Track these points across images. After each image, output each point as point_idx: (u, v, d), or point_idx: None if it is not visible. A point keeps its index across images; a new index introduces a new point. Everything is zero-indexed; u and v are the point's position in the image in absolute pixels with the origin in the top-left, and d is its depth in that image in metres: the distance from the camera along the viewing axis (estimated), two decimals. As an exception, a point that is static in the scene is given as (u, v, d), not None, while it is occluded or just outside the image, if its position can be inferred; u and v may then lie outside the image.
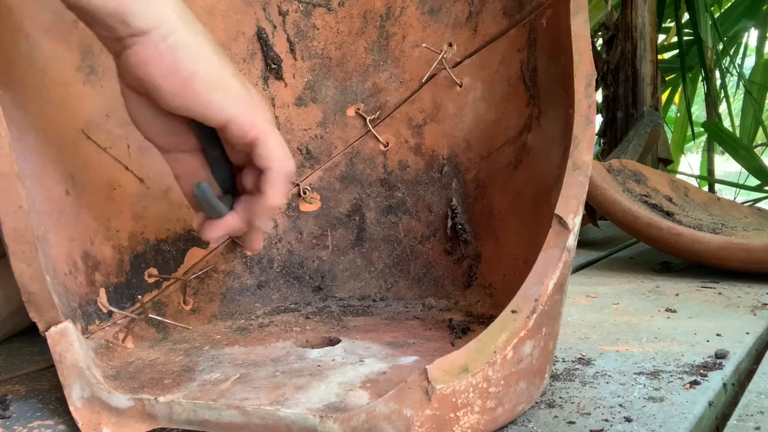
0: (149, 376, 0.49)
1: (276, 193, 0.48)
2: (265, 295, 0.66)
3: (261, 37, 0.68)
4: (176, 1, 0.44)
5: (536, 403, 0.45)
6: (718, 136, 2.15)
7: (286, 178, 0.48)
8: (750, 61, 2.47)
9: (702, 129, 2.32)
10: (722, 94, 2.31)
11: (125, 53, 0.43)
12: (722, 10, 2.37)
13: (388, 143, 0.70)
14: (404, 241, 0.68)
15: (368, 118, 0.69)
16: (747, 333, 0.62)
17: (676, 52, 2.29)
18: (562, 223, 0.45)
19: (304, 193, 0.69)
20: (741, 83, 2.33)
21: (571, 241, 0.45)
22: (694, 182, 1.95)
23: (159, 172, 0.61)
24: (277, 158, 0.47)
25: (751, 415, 0.44)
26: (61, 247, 0.50)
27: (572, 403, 0.46)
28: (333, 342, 0.56)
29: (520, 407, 0.42)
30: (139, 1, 0.42)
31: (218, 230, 0.49)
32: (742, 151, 2.10)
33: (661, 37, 2.33)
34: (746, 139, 2.31)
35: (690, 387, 0.48)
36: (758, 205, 1.59)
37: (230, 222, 0.50)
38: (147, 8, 0.42)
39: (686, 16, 2.04)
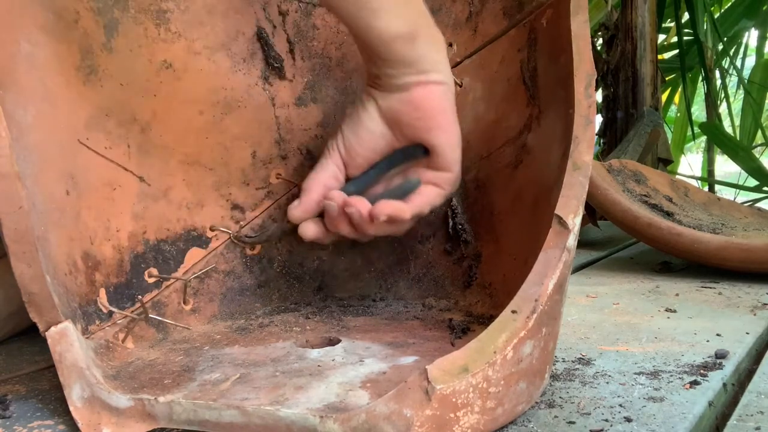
0: (149, 376, 0.49)
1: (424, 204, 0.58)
2: (265, 295, 0.66)
3: (261, 37, 0.68)
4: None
5: (536, 403, 0.45)
6: (716, 138, 2.15)
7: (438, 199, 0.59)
8: (750, 61, 2.47)
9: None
10: (722, 94, 2.31)
11: (414, 88, 0.55)
12: (722, 10, 2.37)
13: (388, 143, 0.69)
14: (404, 241, 0.68)
15: (368, 118, 0.69)
16: (747, 333, 0.62)
17: (676, 52, 2.29)
18: (562, 223, 0.45)
19: (304, 193, 0.69)
20: (741, 84, 2.33)
21: (571, 241, 0.45)
22: (693, 183, 1.95)
23: (159, 172, 0.61)
24: (447, 190, 0.58)
25: (751, 415, 0.44)
26: (61, 247, 0.50)
27: (572, 403, 0.46)
28: (333, 342, 0.56)
29: (520, 407, 0.42)
30: (434, 52, 0.55)
31: (387, 209, 0.56)
32: (740, 152, 2.10)
33: (661, 37, 2.33)
34: (746, 139, 2.31)
35: (690, 387, 0.48)
36: (758, 205, 1.59)
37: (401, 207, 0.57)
38: (437, 59, 0.55)
39: (686, 16, 2.04)
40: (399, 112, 0.56)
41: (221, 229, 0.64)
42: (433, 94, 0.55)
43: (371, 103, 0.57)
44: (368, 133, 0.57)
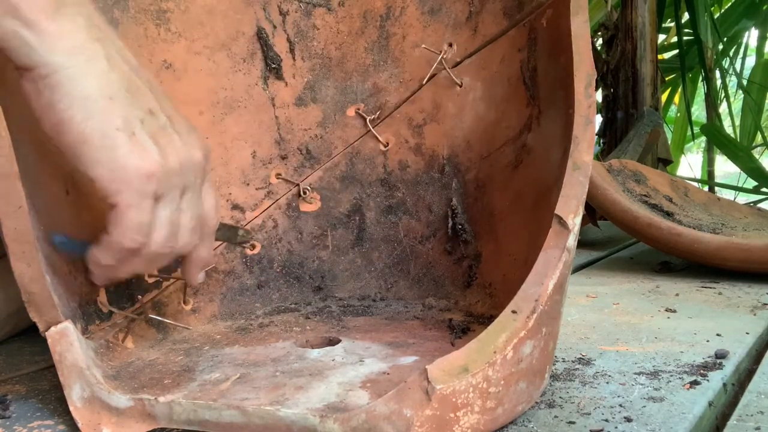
0: (149, 376, 0.49)
1: (94, 261, 0.45)
2: (265, 295, 0.66)
3: (261, 37, 0.68)
4: (84, 35, 0.41)
5: (536, 403, 0.45)
6: (716, 139, 2.15)
7: (117, 252, 0.45)
8: (750, 61, 2.47)
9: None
10: (722, 95, 2.31)
11: (20, 81, 0.41)
12: (722, 10, 2.37)
13: (388, 143, 0.70)
14: (404, 241, 0.68)
15: (368, 118, 0.69)
16: (747, 333, 0.62)
17: (676, 52, 2.29)
18: (562, 223, 0.45)
19: (304, 193, 0.69)
20: (739, 85, 2.33)
21: (571, 241, 0.45)
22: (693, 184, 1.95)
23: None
24: (119, 231, 0.43)
25: (751, 415, 0.44)
26: (61, 247, 0.50)
27: (572, 403, 0.46)
28: (333, 342, 0.56)
29: (520, 407, 0.42)
30: (29, 36, 0.39)
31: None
32: (740, 153, 2.09)
33: (661, 37, 2.33)
34: (746, 140, 2.31)
35: (690, 387, 0.48)
36: (758, 205, 1.59)
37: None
38: (34, 45, 0.39)
39: (686, 16, 2.04)
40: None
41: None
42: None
43: None
44: None
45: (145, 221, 0.44)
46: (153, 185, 0.43)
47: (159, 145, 0.43)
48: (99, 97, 0.41)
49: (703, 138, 2.69)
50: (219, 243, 0.65)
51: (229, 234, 0.59)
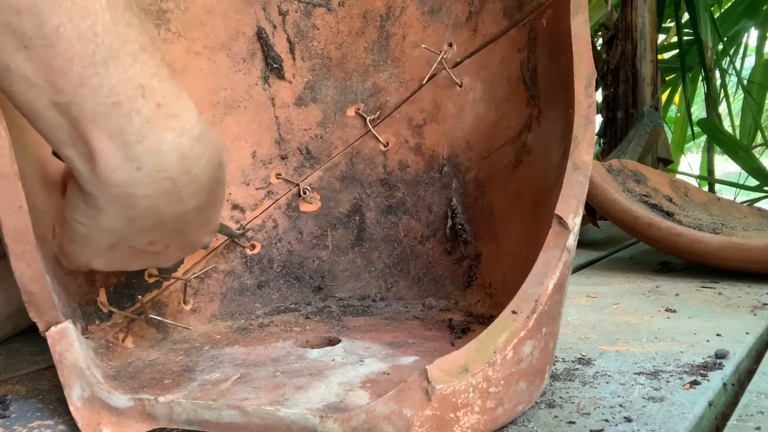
0: (149, 376, 0.49)
1: None
2: (265, 295, 0.66)
3: (261, 37, 0.68)
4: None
5: (536, 403, 0.45)
6: (714, 135, 2.15)
7: None
8: (750, 61, 2.47)
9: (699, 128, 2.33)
10: (722, 94, 2.31)
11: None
12: (722, 10, 2.37)
13: (388, 143, 0.70)
14: (404, 241, 0.68)
15: (368, 118, 0.69)
16: (747, 333, 0.62)
17: (676, 52, 2.29)
18: (562, 223, 0.45)
19: (304, 193, 0.69)
20: (740, 84, 2.33)
21: (571, 241, 0.45)
22: (693, 182, 1.95)
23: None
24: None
25: (751, 415, 0.44)
26: (61, 247, 0.50)
27: (572, 403, 0.46)
28: (333, 342, 0.56)
29: (520, 407, 0.42)
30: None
31: None
32: (739, 151, 2.09)
33: (661, 37, 2.33)
34: (746, 139, 2.31)
35: (690, 387, 0.48)
36: (758, 204, 1.59)
37: None
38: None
39: (686, 16, 2.04)
40: None
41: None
42: None
43: None
44: None
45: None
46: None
47: (128, 260, 0.50)
48: (104, 228, 0.45)
49: (703, 138, 2.69)
50: (218, 245, 0.65)
51: (225, 230, 0.62)
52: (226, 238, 0.65)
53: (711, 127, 2.12)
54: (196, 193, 0.46)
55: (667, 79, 2.20)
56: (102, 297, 0.54)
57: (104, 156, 0.41)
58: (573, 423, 0.43)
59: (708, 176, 2.38)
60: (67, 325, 0.44)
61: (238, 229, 0.65)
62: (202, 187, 0.46)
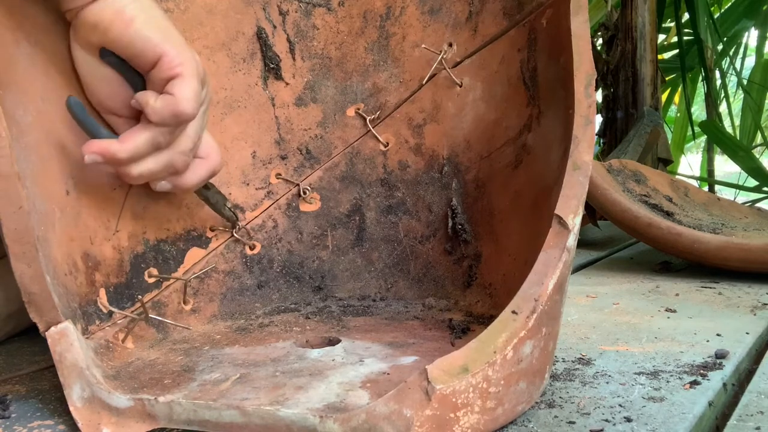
0: (149, 376, 0.49)
1: (123, 148, 0.52)
2: (265, 295, 0.66)
3: (261, 37, 0.68)
4: None
5: (536, 403, 0.45)
6: (715, 136, 2.15)
7: (160, 129, 0.52)
8: (750, 61, 2.47)
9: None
10: (722, 94, 2.31)
11: (82, 12, 0.50)
12: (722, 10, 2.37)
13: (388, 143, 0.70)
14: (404, 241, 0.68)
15: (368, 118, 0.69)
16: (747, 333, 0.62)
17: (676, 52, 2.29)
18: (562, 223, 0.45)
19: (304, 193, 0.69)
20: (739, 84, 2.33)
21: (571, 241, 0.45)
22: (693, 183, 1.95)
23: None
24: (182, 95, 0.51)
25: (751, 415, 0.44)
26: (61, 247, 0.50)
27: (572, 403, 0.46)
28: (333, 342, 0.56)
29: (520, 407, 0.42)
30: None
31: (93, 147, 0.51)
32: (739, 151, 2.10)
33: (661, 37, 2.33)
34: (746, 139, 2.31)
35: (690, 387, 0.48)
36: (758, 205, 1.59)
37: (111, 146, 0.52)
38: None
39: (686, 16, 2.04)
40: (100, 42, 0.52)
41: (221, 228, 0.64)
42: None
43: (77, 50, 0.53)
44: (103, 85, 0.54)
45: (200, 93, 0.53)
46: (201, 74, 0.54)
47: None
48: (152, 7, 0.52)
49: (703, 138, 2.69)
50: (218, 245, 0.65)
51: (218, 197, 0.62)
52: (227, 237, 0.65)
53: (711, 128, 2.12)
54: None
55: (667, 79, 2.20)
56: (102, 297, 0.54)
57: None
58: (573, 423, 0.43)
59: (708, 177, 2.38)
60: (67, 325, 0.44)
61: (229, 207, 0.63)
62: None
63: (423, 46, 0.68)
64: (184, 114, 0.52)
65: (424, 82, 0.68)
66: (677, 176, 1.77)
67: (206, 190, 0.61)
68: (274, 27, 0.68)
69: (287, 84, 0.69)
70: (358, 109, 0.70)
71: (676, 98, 2.58)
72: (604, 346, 0.59)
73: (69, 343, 0.44)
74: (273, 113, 0.68)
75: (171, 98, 0.51)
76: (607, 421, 0.43)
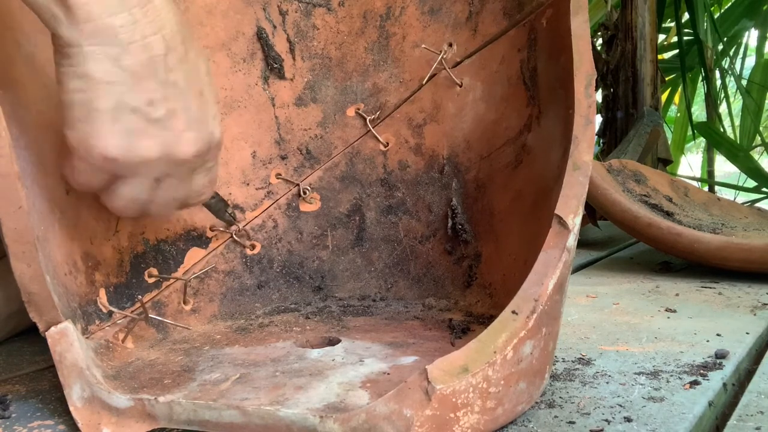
0: (149, 376, 0.49)
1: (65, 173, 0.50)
2: (265, 295, 0.66)
3: (261, 37, 0.68)
4: (108, 19, 0.44)
5: (536, 403, 0.45)
6: (712, 138, 2.15)
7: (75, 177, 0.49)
8: (750, 61, 2.47)
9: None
10: (722, 94, 2.31)
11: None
12: (722, 10, 2.37)
13: (388, 143, 0.70)
14: (404, 241, 0.68)
15: (368, 118, 0.69)
16: (747, 333, 0.62)
17: (676, 52, 2.29)
18: (562, 223, 0.45)
19: (304, 193, 0.69)
20: (738, 88, 2.33)
21: (571, 241, 0.45)
22: (693, 183, 1.95)
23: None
24: (72, 176, 0.50)
25: (751, 415, 0.44)
26: (61, 247, 0.50)
27: (572, 403, 0.46)
28: (333, 342, 0.56)
29: (520, 407, 0.42)
30: (57, 10, 0.43)
31: None
32: (738, 152, 2.10)
33: (661, 37, 2.33)
34: (745, 140, 2.31)
35: (690, 387, 0.48)
36: (758, 205, 1.59)
37: None
38: (60, 19, 0.44)
39: (686, 16, 2.04)
40: None
41: (221, 228, 0.64)
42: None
43: None
44: None
45: (94, 185, 0.49)
46: (111, 167, 0.48)
47: (137, 137, 0.47)
48: (97, 80, 0.45)
49: (703, 138, 2.69)
50: (218, 245, 0.65)
51: (219, 206, 0.62)
52: (227, 237, 0.65)
53: (709, 130, 2.12)
54: (179, 32, 0.47)
55: (667, 79, 2.20)
56: (102, 297, 0.54)
57: None
58: (573, 423, 0.43)
59: (708, 178, 2.38)
60: (67, 325, 0.44)
61: (229, 213, 0.63)
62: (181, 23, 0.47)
63: (423, 46, 0.68)
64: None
65: (424, 82, 0.68)
66: (677, 176, 1.77)
67: (209, 198, 0.61)
68: (274, 27, 0.68)
69: (287, 84, 0.69)
70: (358, 109, 0.70)
71: (676, 98, 2.58)
72: (604, 346, 0.59)
73: (69, 343, 0.44)
74: (273, 113, 0.68)
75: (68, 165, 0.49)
76: (607, 421, 0.43)
